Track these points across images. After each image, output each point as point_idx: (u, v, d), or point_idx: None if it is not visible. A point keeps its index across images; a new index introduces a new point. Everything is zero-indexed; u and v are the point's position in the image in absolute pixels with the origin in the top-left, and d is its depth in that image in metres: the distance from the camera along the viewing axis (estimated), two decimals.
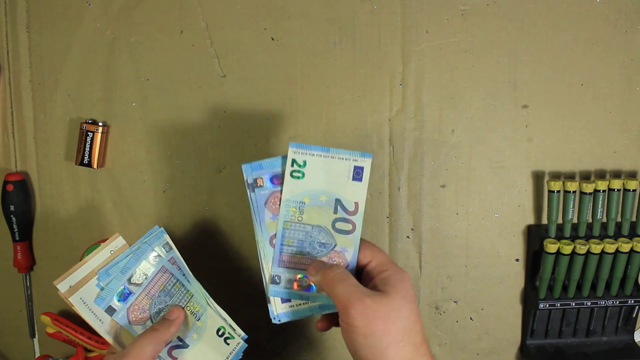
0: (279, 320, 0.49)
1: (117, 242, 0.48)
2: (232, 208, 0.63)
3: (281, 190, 0.49)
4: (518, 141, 0.62)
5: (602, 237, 0.60)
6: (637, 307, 0.62)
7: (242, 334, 0.52)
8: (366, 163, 0.49)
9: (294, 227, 0.50)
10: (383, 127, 0.62)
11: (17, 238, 0.63)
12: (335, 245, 0.49)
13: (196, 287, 0.51)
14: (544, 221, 0.62)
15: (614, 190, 0.60)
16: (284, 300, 0.50)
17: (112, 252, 0.48)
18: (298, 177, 0.49)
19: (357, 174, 0.49)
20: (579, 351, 0.63)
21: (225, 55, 0.61)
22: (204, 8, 0.61)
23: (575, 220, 0.61)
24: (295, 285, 0.49)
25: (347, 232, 0.50)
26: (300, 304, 0.50)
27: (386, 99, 0.61)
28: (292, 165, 0.49)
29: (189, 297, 0.51)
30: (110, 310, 0.47)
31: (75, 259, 0.63)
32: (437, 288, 0.64)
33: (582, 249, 0.59)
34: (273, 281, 0.50)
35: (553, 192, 0.60)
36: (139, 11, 0.61)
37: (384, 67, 0.61)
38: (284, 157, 0.49)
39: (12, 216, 0.62)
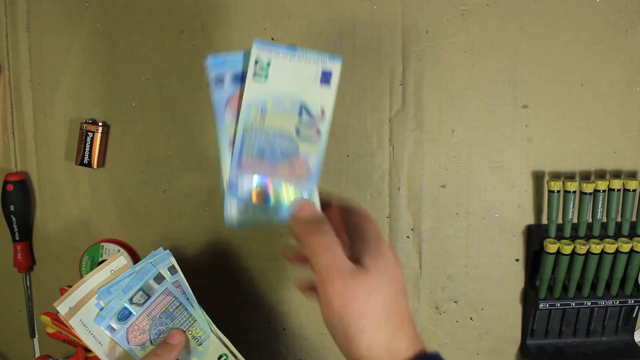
0: (233, 225, 0.46)
1: (118, 261, 0.48)
2: None
3: (242, 91, 0.45)
4: (518, 141, 0.62)
5: (602, 237, 0.60)
6: (637, 307, 0.62)
7: None
8: (335, 67, 0.46)
9: (255, 132, 0.46)
10: (383, 127, 0.62)
11: (17, 238, 0.63)
12: (298, 153, 0.46)
13: (199, 313, 0.50)
14: (544, 221, 0.62)
15: (614, 190, 0.60)
16: (240, 206, 0.46)
17: (112, 271, 0.48)
18: (261, 78, 0.46)
19: (325, 77, 0.46)
20: (579, 351, 0.63)
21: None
22: (203, 8, 0.61)
23: (575, 220, 0.61)
24: (254, 196, 0.45)
25: (312, 140, 0.47)
26: (256, 212, 0.47)
27: (386, 99, 0.61)
28: (256, 65, 0.45)
29: (192, 322, 0.50)
30: (110, 330, 0.47)
31: (75, 259, 0.64)
32: (437, 288, 0.64)
33: (582, 249, 0.59)
34: (230, 186, 0.46)
35: (553, 192, 0.60)
36: (139, 11, 0.61)
37: (384, 67, 0.61)
38: (248, 54, 0.45)
39: (12, 216, 0.62)
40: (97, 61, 0.62)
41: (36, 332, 0.66)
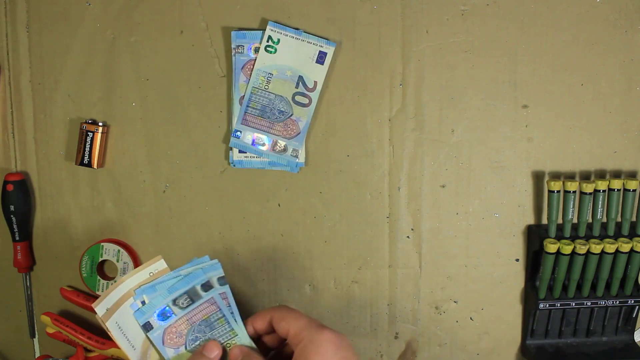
0: (234, 165, 0.61)
1: (158, 264, 0.47)
2: (232, 208, 0.63)
3: (255, 60, 0.59)
4: (518, 141, 0.62)
5: (602, 237, 0.60)
6: (637, 307, 0.62)
7: None
8: (330, 50, 0.59)
9: (260, 94, 0.59)
10: (383, 127, 0.62)
11: (17, 238, 0.63)
12: (292, 114, 0.60)
13: (242, 329, 0.48)
14: (544, 221, 0.62)
15: (614, 190, 0.60)
16: (240, 152, 0.61)
17: (151, 274, 0.47)
18: (270, 52, 0.59)
19: (321, 58, 0.59)
20: (579, 351, 0.63)
21: (225, 55, 0.61)
22: (204, 8, 0.61)
23: (575, 220, 0.61)
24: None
25: (304, 105, 0.60)
26: (253, 157, 0.61)
27: (386, 99, 0.61)
28: (268, 41, 0.58)
29: (232, 336, 0.48)
30: (148, 327, 0.46)
31: (75, 259, 0.64)
32: (437, 288, 0.64)
33: (582, 249, 0.59)
34: (234, 134, 0.60)
35: (553, 192, 0.60)
36: (139, 11, 0.61)
37: (384, 67, 0.61)
38: (263, 32, 0.58)
39: (12, 216, 0.62)
40: (97, 61, 0.62)
41: (36, 332, 0.66)
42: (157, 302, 0.46)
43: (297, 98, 0.60)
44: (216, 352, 0.46)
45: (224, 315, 0.48)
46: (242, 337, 0.48)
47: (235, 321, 0.48)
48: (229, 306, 0.48)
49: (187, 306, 0.47)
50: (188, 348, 0.47)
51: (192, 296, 0.47)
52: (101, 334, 0.65)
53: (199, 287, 0.48)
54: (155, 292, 0.47)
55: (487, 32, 0.60)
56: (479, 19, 0.60)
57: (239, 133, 0.60)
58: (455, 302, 0.64)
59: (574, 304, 0.62)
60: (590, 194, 0.59)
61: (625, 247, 0.59)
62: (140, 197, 0.63)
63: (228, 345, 0.48)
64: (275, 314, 0.44)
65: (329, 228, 0.63)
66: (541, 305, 0.61)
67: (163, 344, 0.47)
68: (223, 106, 0.62)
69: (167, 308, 0.47)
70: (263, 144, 0.60)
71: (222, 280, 0.49)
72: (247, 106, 0.59)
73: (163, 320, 0.47)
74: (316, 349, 0.39)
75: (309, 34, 0.59)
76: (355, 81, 0.61)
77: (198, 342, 0.47)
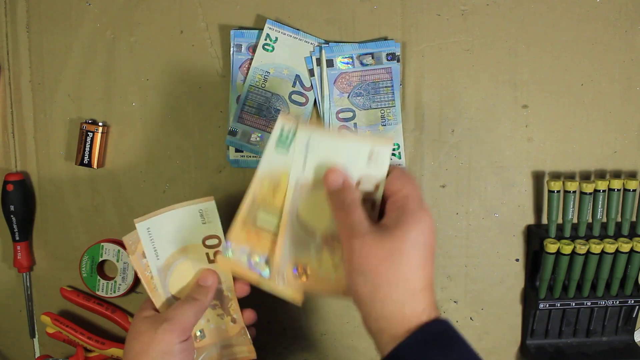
0: (231, 164, 0.61)
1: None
2: (233, 208, 0.63)
3: (252, 58, 0.58)
4: (518, 141, 0.62)
5: (602, 237, 0.60)
6: (637, 307, 0.62)
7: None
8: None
9: (257, 92, 0.59)
10: None
11: (17, 238, 0.63)
12: (288, 113, 0.59)
13: None
14: (544, 221, 0.62)
15: (614, 190, 0.60)
16: (237, 150, 0.60)
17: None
18: (268, 50, 0.58)
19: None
20: (579, 351, 0.63)
21: (225, 55, 0.61)
22: (204, 8, 0.61)
23: (575, 220, 0.61)
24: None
25: (301, 104, 0.59)
26: (250, 156, 0.60)
27: None
28: (266, 39, 0.58)
29: (390, 109, 0.52)
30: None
31: (75, 259, 0.64)
32: (437, 288, 0.64)
33: (582, 249, 0.59)
34: (230, 132, 0.59)
35: (553, 192, 0.60)
36: (138, 11, 0.61)
37: None
38: (261, 31, 0.58)
39: (12, 216, 0.62)
40: (97, 61, 0.62)
41: (36, 332, 0.66)
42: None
43: (294, 97, 0.60)
44: (211, 280, 0.49)
45: (392, 86, 0.50)
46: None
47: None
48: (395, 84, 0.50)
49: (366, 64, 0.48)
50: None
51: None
52: (101, 334, 0.65)
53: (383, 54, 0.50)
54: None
55: (487, 32, 0.60)
56: (479, 19, 0.60)
57: (235, 131, 0.59)
58: (455, 302, 0.64)
59: (574, 304, 0.62)
60: (590, 194, 0.59)
61: (625, 247, 0.59)
62: (140, 197, 0.63)
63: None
64: (395, 172, 0.44)
65: None
66: (541, 305, 0.61)
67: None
68: (223, 106, 0.62)
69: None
70: (258, 142, 0.60)
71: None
72: (244, 104, 0.59)
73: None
74: (417, 223, 0.39)
75: (306, 33, 0.60)
76: None
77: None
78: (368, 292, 0.38)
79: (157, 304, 0.49)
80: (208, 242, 0.49)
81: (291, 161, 0.45)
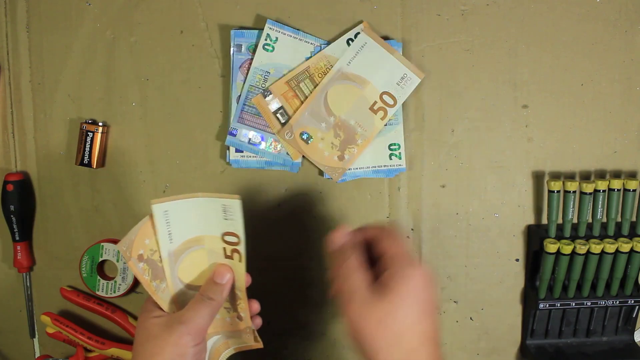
0: (231, 165, 0.61)
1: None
2: None
3: (252, 59, 0.59)
4: (518, 141, 0.62)
5: (602, 237, 0.60)
6: (637, 307, 0.62)
7: None
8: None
9: (257, 92, 0.59)
10: None
11: (17, 238, 0.63)
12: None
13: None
14: (544, 221, 0.62)
15: (614, 190, 0.60)
16: (237, 150, 0.60)
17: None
18: (268, 50, 0.58)
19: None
20: (579, 351, 0.63)
21: (225, 55, 0.61)
22: (204, 8, 0.61)
23: (575, 220, 0.61)
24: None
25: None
26: (250, 156, 0.60)
27: None
28: (266, 39, 0.58)
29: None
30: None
31: (75, 259, 0.64)
32: (437, 288, 0.64)
33: (582, 249, 0.59)
34: (230, 133, 0.59)
35: (553, 192, 0.60)
36: (138, 11, 0.61)
37: None
38: (261, 31, 0.58)
39: (12, 216, 0.62)
40: (97, 61, 0.62)
41: (36, 332, 0.66)
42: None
43: None
44: (227, 277, 0.47)
45: None
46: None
47: None
48: None
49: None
50: None
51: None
52: (101, 334, 0.65)
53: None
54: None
55: (487, 32, 0.60)
56: (479, 19, 0.60)
57: (235, 131, 0.60)
58: (455, 302, 0.64)
59: (574, 304, 0.62)
60: (590, 194, 0.59)
61: (625, 247, 0.59)
62: (140, 197, 0.63)
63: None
64: (381, 233, 0.44)
65: (329, 228, 0.63)
66: (541, 305, 0.61)
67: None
68: (223, 106, 0.62)
69: None
70: (259, 143, 0.60)
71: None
72: (244, 104, 0.59)
73: None
74: (407, 281, 0.40)
75: (306, 33, 0.60)
76: None
77: None
78: (371, 356, 0.39)
79: (164, 306, 0.48)
80: (227, 238, 0.48)
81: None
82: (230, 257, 0.48)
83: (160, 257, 0.48)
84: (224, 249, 0.48)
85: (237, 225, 0.47)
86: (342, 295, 0.41)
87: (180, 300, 0.49)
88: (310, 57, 0.59)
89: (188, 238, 0.48)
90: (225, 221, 0.47)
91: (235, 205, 0.46)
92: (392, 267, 0.41)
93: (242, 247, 0.47)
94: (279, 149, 0.60)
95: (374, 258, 0.44)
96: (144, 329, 0.46)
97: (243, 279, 0.49)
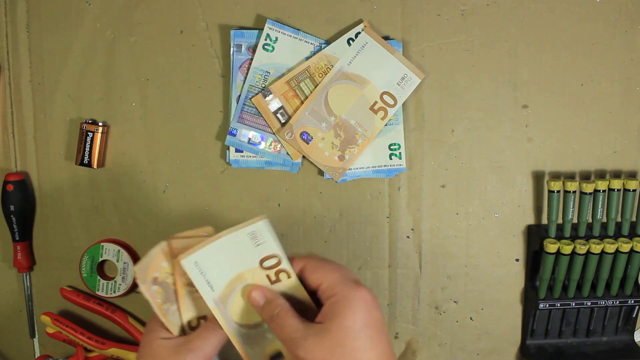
0: (231, 165, 0.61)
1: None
2: (232, 209, 0.63)
3: (252, 58, 0.59)
4: (518, 141, 0.62)
5: (602, 237, 0.60)
6: (637, 307, 0.62)
7: None
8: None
9: (257, 92, 0.59)
10: None
11: (17, 238, 0.63)
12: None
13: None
14: (544, 221, 0.62)
15: (614, 190, 0.60)
16: (237, 150, 0.61)
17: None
18: (268, 50, 0.59)
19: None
20: (579, 351, 0.63)
21: (225, 55, 0.61)
22: (204, 8, 0.61)
23: (575, 220, 0.61)
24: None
25: None
26: (250, 156, 0.61)
27: None
28: (266, 39, 0.58)
29: None
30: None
31: (75, 259, 0.64)
32: (437, 288, 0.64)
33: (582, 249, 0.59)
34: (230, 133, 0.60)
35: (553, 192, 0.60)
36: (138, 11, 0.61)
37: None
38: (261, 31, 0.59)
39: (12, 216, 0.62)
40: (97, 61, 0.62)
41: (36, 332, 0.66)
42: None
43: None
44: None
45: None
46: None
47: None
48: None
49: None
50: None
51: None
52: (101, 334, 0.65)
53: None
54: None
55: (487, 32, 0.60)
56: (479, 19, 0.60)
57: (235, 131, 0.60)
58: (455, 302, 0.64)
59: (574, 304, 0.62)
60: (590, 194, 0.59)
61: (625, 247, 0.59)
62: (140, 197, 0.63)
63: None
64: (309, 265, 0.42)
65: (329, 228, 0.63)
66: (541, 305, 0.61)
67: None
68: (223, 106, 0.62)
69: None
70: (259, 143, 0.60)
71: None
72: (244, 104, 0.59)
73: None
74: (349, 307, 0.38)
75: (306, 33, 0.60)
76: None
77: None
78: None
79: (173, 329, 0.46)
80: (266, 264, 0.45)
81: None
82: (278, 281, 0.45)
83: (162, 299, 0.46)
84: (267, 276, 0.45)
85: (271, 245, 0.44)
86: (286, 341, 0.39)
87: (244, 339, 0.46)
88: (310, 57, 0.59)
89: (228, 280, 0.45)
90: (257, 248, 0.44)
91: (261, 228, 0.44)
92: (333, 295, 0.39)
93: (285, 264, 0.44)
94: (278, 149, 0.60)
95: (311, 291, 0.42)
96: (150, 349, 0.45)
97: (304, 292, 0.45)
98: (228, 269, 0.45)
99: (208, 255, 0.44)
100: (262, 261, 0.45)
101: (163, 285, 0.47)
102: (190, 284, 0.46)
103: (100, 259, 0.62)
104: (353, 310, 0.37)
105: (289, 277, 0.44)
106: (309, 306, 0.43)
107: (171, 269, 0.47)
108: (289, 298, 0.43)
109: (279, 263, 0.44)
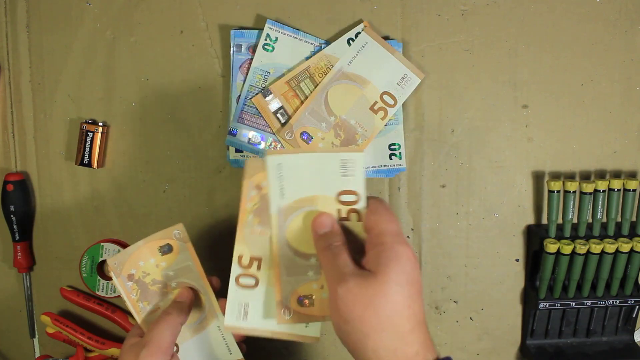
0: (231, 164, 0.61)
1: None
2: (232, 208, 0.63)
3: (252, 58, 0.59)
4: (518, 141, 0.62)
5: (602, 237, 0.60)
6: (637, 307, 0.62)
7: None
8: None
9: (257, 92, 0.59)
10: None
11: (17, 238, 0.63)
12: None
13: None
14: (544, 221, 0.62)
15: (614, 190, 0.60)
16: (237, 150, 0.61)
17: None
18: (268, 50, 0.59)
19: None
20: (579, 351, 0.63)
21: (225, 55, 0.61)
22: (204, 8, 0.61)
23: (575, 220, 0.61)
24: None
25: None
26: (250, 156, 0.61)
27: None
28: (266, 39, 0.59)
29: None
30: None
31: (75, 259, 0.64)
32: (437, 288, 0.64)
33: (582, 249, 0.59)
34: (230, 133, 0.60)
35: (553, 192, 0.60)
36: (138, 11, 0.61)
37: None
38: (261, 31, 0.59)
39: (12, 216, 0.62)
40: (97, 61, 0.62)
41: (36, 332, 0.66)
42: None
43: None
44: (186, 295, 0.49)
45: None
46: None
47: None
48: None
49: None
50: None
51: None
52: (101, 334, 0.65)
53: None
54: None
55: (487, 32, 0.60)
56: (479, 19, 0.60)
57: (235, 131, 0.60)
58: (455, 302, 0.64)
59: (574, 304, 0.62)
60: (590, 194, 0.59)
61: (625, 247, 0.59)
62: (140, 197, 0.63)
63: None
64: (372, 205, 0.42)
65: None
66: (541, 305, 0.61)
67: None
68: (223, 106, 0.62)
69: None
70: (259, 143, 0.60)
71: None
72: (244, 104, 0.60)
73: None
74: (397, 261, 0.37)
75: (306, 33, 0.60)
76: None
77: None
78: (358, 340, 0.37)
79: (143, 326, 0.48)
80: (343, 198, 0.43)
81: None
82: (346, 219, 0.43)
83: (137, 296, 0.48)
84: (339, 210, 0.43)
85: (358, 181, 0.42)
86: (329, 278, 0.39)
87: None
88: (310, 57, 0.59)
89: (300, 197, 0.43)
90: (343, 178, 0.42)
91: (356, 159, 0.42)
92: (381, 244, 0.39)
93: (361, 205, 0.42)
94: (278, 149, 0.60)
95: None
96: (121, 355, 0.46)
97: (363, 240, 0.43)
98: (306, 185, 0.43)
99: (294, 163, 0.43)
100: (340, 193, 0.43)
101: (139, 284, 0.48)
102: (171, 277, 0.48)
103: (100, 259, 0.62)
104: (400, 265, 0.37)
105: (358, 219, 0.43)
106: (361, 254, 0.42)
107: (150, 270, 0.49)
108: (349, 240, 0.42)
109: (355, 202, 0.43)
